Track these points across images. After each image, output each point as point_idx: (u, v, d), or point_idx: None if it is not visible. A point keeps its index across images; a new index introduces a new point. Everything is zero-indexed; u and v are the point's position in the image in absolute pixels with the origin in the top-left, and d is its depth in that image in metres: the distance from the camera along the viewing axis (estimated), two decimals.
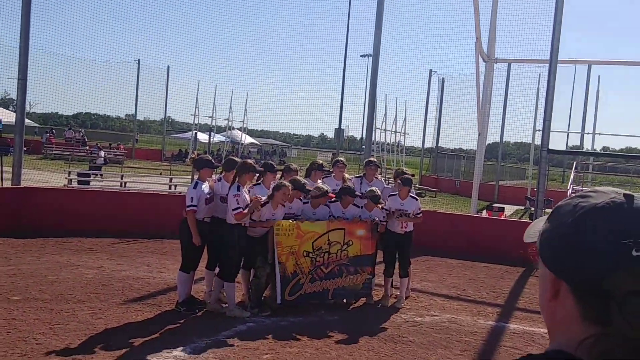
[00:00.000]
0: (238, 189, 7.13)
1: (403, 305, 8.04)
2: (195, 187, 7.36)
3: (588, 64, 30.76)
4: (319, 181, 8.06)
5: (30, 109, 43.96)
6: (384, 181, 8.80)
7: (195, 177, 7.87)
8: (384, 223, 8.03)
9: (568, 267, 0.96)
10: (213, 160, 7.95)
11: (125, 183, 20.06)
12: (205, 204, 7.30)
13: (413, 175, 8.82)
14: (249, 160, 7.50)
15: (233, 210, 7.03)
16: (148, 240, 11.16)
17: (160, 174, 24.00)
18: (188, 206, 7.20)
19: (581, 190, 11.53)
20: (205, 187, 7.38)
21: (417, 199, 8.29)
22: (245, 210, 7.04)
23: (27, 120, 37.20)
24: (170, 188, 18.76)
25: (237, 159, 8.23)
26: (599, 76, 32.59)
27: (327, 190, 7.74)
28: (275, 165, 8.08)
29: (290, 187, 7.35)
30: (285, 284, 7.40)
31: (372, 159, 9.20)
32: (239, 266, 7.32)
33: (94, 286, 7.91)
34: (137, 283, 8.26)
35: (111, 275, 8.55)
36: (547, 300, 1.00)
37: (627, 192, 0.99)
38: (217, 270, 7.47)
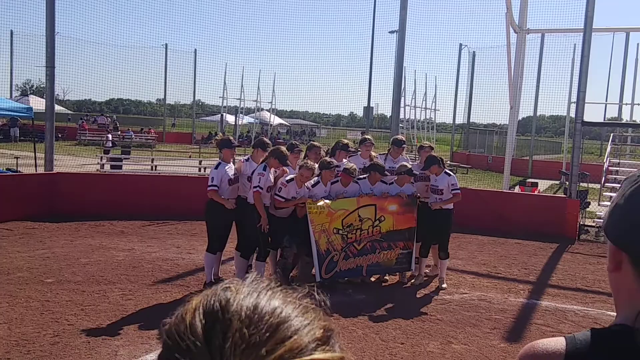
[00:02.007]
0: (264, 169, 7.12)
1: (446, 287, 7.87)
2: (216, 168, 7.38)
3: (626, 31, 29.67)
4: (345, 160, 7.97)
5: (64, 96, 44.77)
6: (409, 159, 8.65)
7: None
8: (419, 197, 7.89)
9: (627, 238, 0.95)
10: (232, 140, 7.93)
11: (155, 167, 20.31)
12: (229, 185, 7.31)
13: (432, 148, 8.52)
14: (284, 149, 7.44)
15: (253, 187, 7.04)
16: (178, 222, 11.28)
17: (190, 156, 24.22)
18: (209, 186, 7.24)
19: (618, 163, 11.18)
20: (228, 168, 7.38)
21: (450, 175, 8.06)
22: (264, 191, 7.06)
23: (60, 108, 37.99)
24: (199, 170, 18.91)
25: (266, 140, 8.20)
26: (637, 44, 31.43)
27: (353, 169, 7.62)
28: (267, 144, 7.93)
29: (312, 169, 7.31)
30: (321, 262, 7.39)
31: (398, 137, 9.04)
32: (266, 245, 7.33)
33: (125, 268, 8.03)
34: (167, 264, 8.35)
35: (141, 257, 8.66)
36: (610, 271, 1.00)
37: None
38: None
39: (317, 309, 0.71)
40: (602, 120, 26.10)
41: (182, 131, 47.58)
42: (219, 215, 7.21)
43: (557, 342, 0.96)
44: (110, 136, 26.39)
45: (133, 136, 34.96)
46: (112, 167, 19.96)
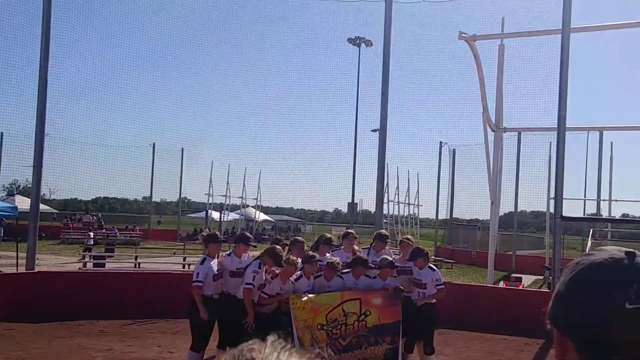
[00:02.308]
0: (259, 267, 7.17)
1: None
2: (202, 263, 7.41)
3: (599, 130, 30.91)
4: (328, 254, 8.05)
5: (50, 195, 44.79)
6: (392, 253, 8.74)
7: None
8: (404, 292, 7.90)
9: (569, 324, 0.98)
10: (218, 235, 8.02)
11: (139, 264, 20.12)
12: (213, 281, 7.31)
13: (411, 242, 8.65)
14: (279, 249, 7.56)
15: (246, 284, 7.04)
16: (160, 320, 11.07)
17: (174, 253, 24.06)
18: (194, 282, 7.23)
19: None
20: (213, 263, 7.41)
21: (435, 270, 8.14)
22: (255, 289, 7.06)
23: (46, 207, 37.87)
24: (183, 267, 18.75)
25: (248, 234, 8.32)
26: (611, 142, 32.66)
27: (337, 263, 7.68)
28: (249, 238, 8.10)
29: (297, 263, 7.36)
30: None
31: (382, 231, 9.19)
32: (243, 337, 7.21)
33: None
34: None
35: (121, 358, 8.45)
36: (558, 357, 1.02)
37: (630, 249, 1.01)
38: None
39: None
40: (581, 216, 26.58)
41: (168, 228, 47.43)
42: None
43: None
44: (92, 234, 26.23)
45: (117, 234, 34.78)
46: (94, 265, 19.72)
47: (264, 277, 7.22)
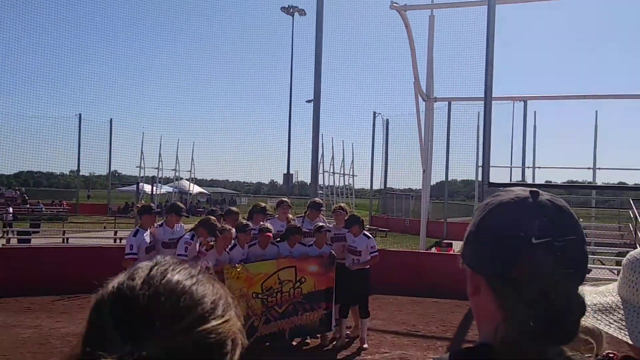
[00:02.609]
0: (192, 238, 7.03)
1: (367, 347, 7.87)
2: (135, 235, 7.22)
3: (524, 99, 32.02)
4: (262, 223, 8.01)
5: None
6: (326, 221, 8.80)
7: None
8: (339, 259, 7.98)
9: (481, 261, 1.02)
10: (153, 207, 7.83)
11: (67, 239, 19.45)
12: (146, 253, 7.14)
13: (344, 210, 8.73)
14: (214, 219, 7.41)
15: (177, 255, 6.89)
16: (90, 295, 10.74)
17: (105, 227, 23.40)
18: (127, 254, 7.04)
19: None
20: (146, 235, 7.24)
21: (370, 237, 8.25)
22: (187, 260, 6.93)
23: None
24: (115, 242, 18.26)
25: (180, 204, 8.17)
26: (534, 112, 33.90)
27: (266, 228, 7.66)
28: (181, 208, 7.99)
29: (232, 231, 7.28)
30: None
31: (316, 199, 9.22)
32: None
33: (31, 345, 7.55)
34: (77, 339, 7.90)
35: (49, 334, 8.18)
36: (470, 295, 1.06)
37: (535, 189, 1.05)
38: None
39: (211, 280, 0.86)
40: (507, 182, 27.60)
41: (98, 202, 46.03)
42: None
43: None
44: (10, 209, 25.05)
45: (43, 209, 33.45)
46: (19, 241, 18.93)
47: (197, 249, 7.11)
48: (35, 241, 18.96)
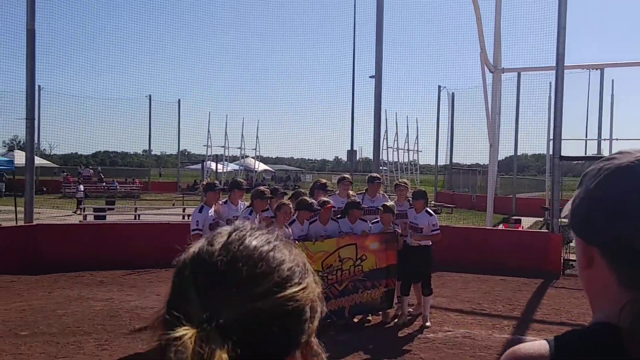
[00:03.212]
0: (250, 214, 7.10)
1: (430, 326, 7.75)
2: (200, 211, 7.35)
3: (599, 68, 30.32)
4: (323, 198, 7.96)
5: (51, 150, 44.71)
6: (387, 197, 8.66)
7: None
8: (401, 236, 7.88)
9: (596, 231, 0.93)
10: (217, 184, 7.94)
11: (139, 216, 20.18)
12: (210, 230, 7.25)
13: (407, 186, 8.58)
14: (261, 187, 7.48)
15: None
16: (159, 269, 11.11)
17: (173, 204, 24.11)
18: (193, 230, 7.17)
19: None
20: (211, 212, 7.35)
21: (432, 215, 8.07)
22: None
23: (46, 162, 37.71)
24: (183, 218, 18.80)
25: (240, 179, 8.27)
26: (612, 80, 32.18)
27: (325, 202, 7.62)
28: (241, 183, 8.06)
29: (290, 205, 7.28)
30: None
31: (374, 174, 9.09)
32: None
33: (102, 318, 7.86)
34: (146, 313, 8.18)
35: (120, 306, 8.50)
36: (582, 268, 0.97)
37: None
38: None
39: (289, 246, 0.86)
40: (581, 155, 26.43)
41: (168, 180, 47.53)
42: None
43: (541, 345, 0.92)
44: (81, 187, 26.12)
45: (118, 187, 34.83)
46: (95, 217, 19.80)
47: (256, 221, 7.15)
48: (110, 218, 19.78)
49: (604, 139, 31.16)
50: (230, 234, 0.83)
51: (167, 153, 58.97)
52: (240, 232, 0.83)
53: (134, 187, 36.71)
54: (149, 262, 11.35)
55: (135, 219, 19.77)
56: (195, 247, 0.82)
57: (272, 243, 0.83)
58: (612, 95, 31.47)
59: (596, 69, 33.48)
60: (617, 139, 29.49)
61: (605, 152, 30.37)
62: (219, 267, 0.77)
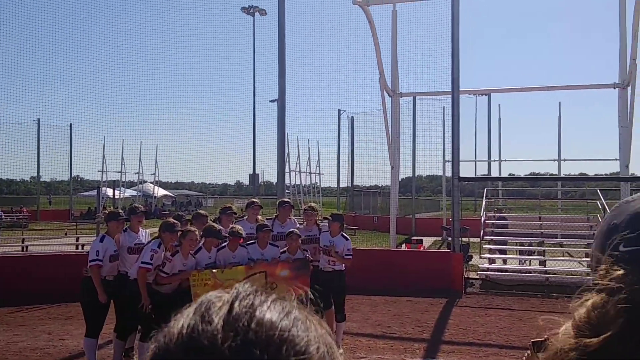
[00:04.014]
0: (159, 246, 6.63)
1: (343, 352, 7.58)
2: (101, 241, 6.83)
3: (487, 93, 32.32)
4: (231, 225, 7.66)
5: None
6: (297, 222, 8.51)
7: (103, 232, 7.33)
8: (313, 261, 7.70)
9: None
10: (120, 213, 7.42)
11: (27, 247, 18.73)
12: (110, 262, 6.76)
13: (315, 210, 8.49)
14: (171, 219, 7.02)
15: (142, 262, 6.51)
16: (51, 305, 10.26)
17: (66, 233, 22.65)
18: (92, 260, 6.64)
19: (494, 216, 11.64)
20: (112, 243, 6.85)
21: (347, 239, 7.99)
22: (152, 269, 6.53)
23: None
24: (77, 248, 17.63)
25: (137, 205, 7.81)
26: (499, 105, 34.28)
27: (238, 230, 7.34)
28: (137, 208, 7.63)
29: (197, 232, 6.92)
30: None
31: (285, 199, 8.92)
32: (151, 323, 6.74)
33: None
34: (35, 354, 7.46)
35: (6, 349, 7.69)
36: None
37: None
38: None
39: (306, 313, 0.63)
40: (476, 176, 27.76)
41: (60, 208, 44.81)
42: (96, 294, 6.58)
43: None
44: None
45: (2, 216, 32.31)
46: None
47: (163, 256, 6.71)
48: None
49: (494, 160, 32.98)
50: (232, 304, 0.58)
51: (58, 179, 55.68)
52: (246, 300, 0.59)
53: (21, 216, 34.22)
54: (39, 297, 10.45)
55: (22, 250, 18.30)
56: (180, 324, 0.57)
57: (291, 314, 0.60)
58: (499, 118, 33.43)
59: (483, 95, 35.62)
60: (505, 160, 31.33)
61: (495, 173, 32.10)
62: (226, 357, 0.53)
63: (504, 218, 16.66)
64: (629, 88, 15.48)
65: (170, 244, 6.74)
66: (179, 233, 6.81)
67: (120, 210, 7.78)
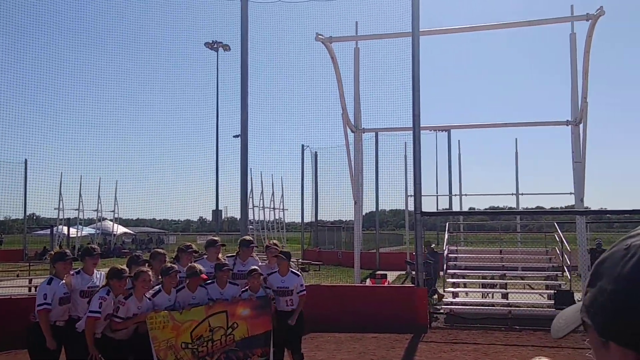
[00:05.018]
0: (107, 293, 6.34)
1: None
2: (49, 283, 6.51)
3: (447, 129, 32.91)
4: (190, 264, 7.44)
5: None
6: (259, 260, 8.33)
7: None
8: (272, 300, 7.51)
9: (629, 330, 0.74)
10: (67, 253, 7.09)
11: None
12: (59, 305, 6.44)
13: (277, 247, 8.31)
14: (118, 266, 6.73)
15: (89, 312, 6.21)
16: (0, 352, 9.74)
17: (17, 275, 21.79)
18: (39, 305, 6.31)
19: (456, 250, 11.65)
20: (61, 284, 6.54)
21: (299, 275, 7.87)
22: (102, 318, 6.23)
23: None
24: (30, 290, 16.93)
25: (92, 246, 7.52)
26: (458, 141, 34.82)
27: (199, 270, 7.12)
28: (93, 249, 7.31)
29: (149, 272, 6.67)
30: None
31: (246, 237, 8.74)
32: None
33: None
34: None
35: None
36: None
37: None
38: None
39: None
40: (438, 210, 27.99)
41: (14, 248, 43.27)
42: (44, 341, 6.24)
43: None
44: None
45: None
46: None
47: (112, 303, 6.40)
48: None
49: (455, 195, 33.36)
50: None
51: (12, 218, 53.92)
52: None
53: None
54: None
55: None
56: None
57: None
58: (459, 154, 33.93)
59: (443, 131, 36.25)
60: (465, 195, 31.70)
61: (456, 207, 32.47)
62: None
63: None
64: (581, 125, 15.93)
65: (120, 290, 6.46)
66: (133, 274, 6.56)
67: (67, 250, 7.45)
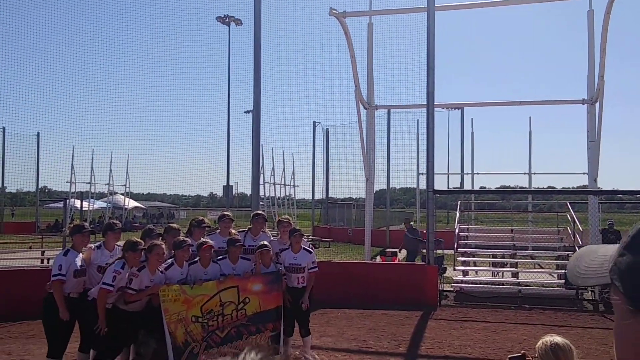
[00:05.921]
0: (122, 267, 6.35)
1: None
2: (65, 255, 6.53)
3: (461, 107, 32.62)
4: (202, 238, 7.44)
5: None
6: (270, 235, 8.32)
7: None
8: (284, 275, 7.52)
9: None
10: (85, 226, 7.10)
11: None
12: (74, 277, 6.46)
13: (290, 222, 8.29)
14: (134, 239, 6.72)
15: (102, 283, 6.23)
16: (12, 323, 9.86)
17: (30, 247, 22.02)
18: (54, 275, 6.33)
19: (467, 229, 11.61)
20: (78, 257, 6.55)
21: (311, 252, 7.86)
22: (114, 291, 6.26)
23: None
24: (42, 262, 17.11)
25: (114, 222, 7.52)
26: (472, 119, 34.54)
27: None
28: (115, 224, 7.31)
29: (162, 245, 6.68)
30: (178, 355, 6.63)
31: (258, 211, 8.73)
32: (116, 345, 6.47)
33: None
34: None
35: None
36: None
37: None
38: (91, 353, 6.58)
39: None
40: (449, 189, 27.87)
41: (26, 220, 43.71)
42: (57, 311, 6.28)
43: None
44: None
45: None
46: None
47: (127, 276, 6.41)
48: None
49: (467, 173, 33.21)
50: None
51: (24, 190, 54.37)
52: None
53: None
54: (2, 314, 10.04)
55: None
56: None
57: None
58: (472, 132, 33.68)
59: (457, 108, 35.95)
60: (477, 173, 31.55)
61: (468, 186, 32.34)
62: None
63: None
64: (597, 104, 15.68)
65: (134, 263, 6.47)
66: (147, 247, 6.57)
67: (85, 224, 7.46)
